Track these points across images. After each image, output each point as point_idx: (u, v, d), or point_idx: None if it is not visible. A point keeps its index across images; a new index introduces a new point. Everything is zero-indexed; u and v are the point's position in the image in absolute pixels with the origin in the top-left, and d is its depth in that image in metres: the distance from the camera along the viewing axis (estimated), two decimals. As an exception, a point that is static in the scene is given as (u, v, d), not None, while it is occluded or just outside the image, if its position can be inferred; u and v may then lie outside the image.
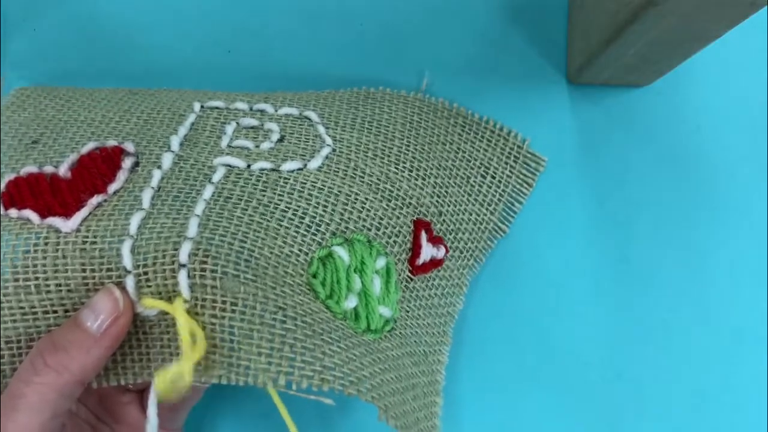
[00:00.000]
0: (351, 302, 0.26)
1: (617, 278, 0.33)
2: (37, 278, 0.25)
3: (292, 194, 0.26)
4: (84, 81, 0.34)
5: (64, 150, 0.28)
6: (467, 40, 0.36)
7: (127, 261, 0.24)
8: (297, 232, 0.26)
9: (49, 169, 0.27)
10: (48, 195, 0.26)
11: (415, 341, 0.29)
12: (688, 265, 0.34)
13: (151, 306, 0.24)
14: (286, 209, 0.26)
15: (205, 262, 0.24)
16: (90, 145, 0.28)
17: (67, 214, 0.26)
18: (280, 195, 0.26)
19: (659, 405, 0.32)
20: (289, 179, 0.27)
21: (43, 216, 0.26)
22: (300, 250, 0.26)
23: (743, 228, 0.34)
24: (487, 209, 0.32)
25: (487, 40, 0.36)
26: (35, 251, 0.25)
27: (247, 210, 0.25)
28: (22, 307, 0.25)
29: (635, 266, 0.33)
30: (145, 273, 0.24)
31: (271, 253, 0.25)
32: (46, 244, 0.25)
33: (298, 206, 0.26)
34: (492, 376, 0.32)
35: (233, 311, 0.24)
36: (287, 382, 0.23)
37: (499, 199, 0.33)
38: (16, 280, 0.25)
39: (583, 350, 0.32)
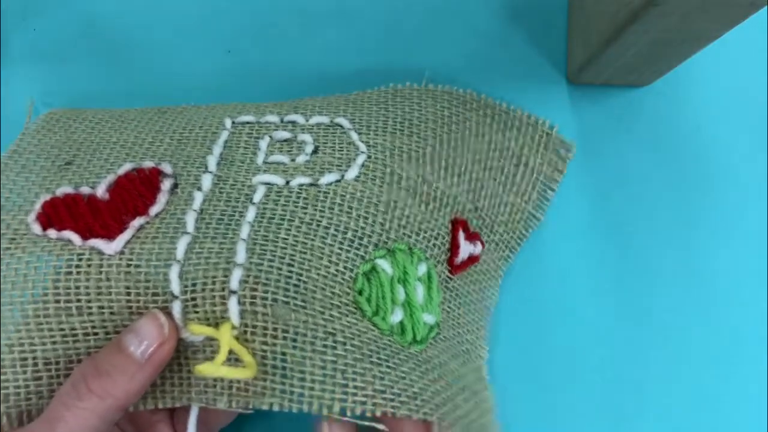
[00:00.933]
0: (397, 316, 0.26)
1: (617, 278, 0.33)
2: (79, 300, 0.25)
3: (333, 209, 0.27)
4: (84, 81, 0.34)
5: (99, 171, 0.28)
6: (467, 40, 0.36)
7: (175, 286, 0.24)
8: (341, 249, 0.26)
9: (85, 189, 0.27)
10: (88, 216, 0.26)
11: (457, 341, 0.29)
12: (688, 265, 0.34)
13: (198, 332, 0.24)
14: (328, 225, 0.26)
15: (255, 289, 0.24)
16: (127, 166, 0.28)
17: (110, 236, 0.26)
18: (321, 211, 0.26)
19: (659, 405, 0.32)
20: (328, 193, 0.27)
21: (84, 237, 0.26)
22: (345, 268, 0.26)
23: (743, 228, 0.34)
24: (521, 198, 0.32)
25: (487, 40, 0.36)
26: (78, 272, 0.25)
27: (290, 230, 0.26)
28: (62, 329, 0.25)
29: (635, 266, 0.33)
30: (193, 299, 0.24)
31: (318, 274, 0.25)
32: (89, 266, 0.25)
33: (340, 221, 0.26)
34: (491, 376, 0.32)
35: (285, 338, 0.24)
36: (341, 409, 0.23)
37: (533, 188, 0.32)
38: (57, 301, 0.25)
39: (583, 350, 0.32)
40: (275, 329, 0.24)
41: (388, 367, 0.24)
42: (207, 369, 0.23)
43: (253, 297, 0.24)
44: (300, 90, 0.34)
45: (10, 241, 0.26)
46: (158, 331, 0.23)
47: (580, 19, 0.34)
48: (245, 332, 0.24)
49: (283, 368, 0.24)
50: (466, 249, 0.29)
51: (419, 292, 0.27)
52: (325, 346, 0.24)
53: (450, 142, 0.31)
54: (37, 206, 0.27)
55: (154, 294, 0.24)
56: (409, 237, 0.27)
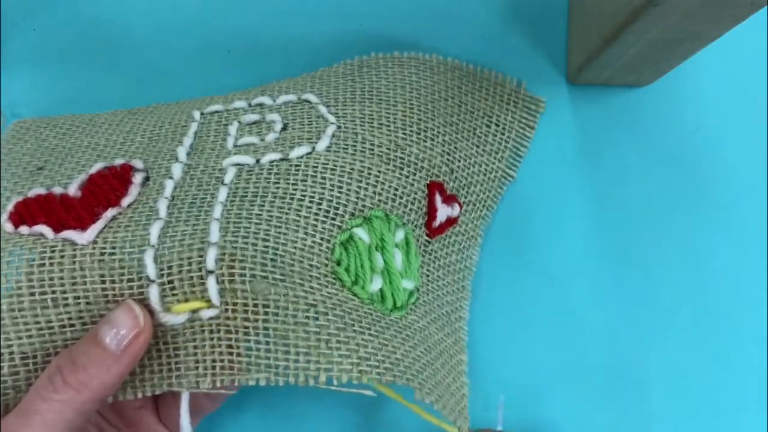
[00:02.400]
0: (376, 284, 0.26)
1: (617, 278, 0.33)
2: (54, 291, 0.25)
3: (306, 181, 0.26)
4: (84, 81, 0.34)
5: (71, 173, 0.28)
6: (467, 40, 0.36)
7: (151, 270, 0.24)
8: (317, 220, 0.26)
9: (57, 189, 0.27)
10: (60, 211, 0.26)
11: (438, 305, 0.29)
12: (689, 264, 0.34)
13: (182, 310, 0.24)
14: (302, 197, 0.26)
15: (232, 267, 0.24)
16: (98, 165, 0.28)
17: (82, 227, 0.26)
18: (294, 184, 0.26)
19: (659, 405, 0.32)
20: (300, 165, 0.27)
21: (57, 230, 0.26)
22: (322, 239, 0.26)
23: (743, 228, 0.34)
24: (494, 157, 0.32)
25: (487, 40, 0.36)
26: (51, 264, 0.25)
27: (264, 206, 0.25)
28: (38, 322, 0.25)
29: (635, 266, 0.33)
30: (170, 282, 0.24)
31: (295, 247, 0.25)
32: (62, 257, 0.25)
33: (314, 192, 0.26)
34: (489, 376, 0.32)
35: (266, 313, 0.24)
36: (327, 378, 0.23)
37: (505, 146, 0.33)
38: (32, 294, 0.25)
39: (583, 350, 0.32)
40: (255, 305, 0.24)
41: (371, 334, 0.24)
42: (180, 307, 0.24)
43: (231, 275, 0.24)
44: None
45: None
46: (133, 321, 0.23)
47: (580, 19, 0.34)
48: (226, 310, 0.24)
49: (267, 343, 0.24)
50: (443, 212, 0.29)
51: (397, 258, 0.27)
52: (307, 317, 0.24)
53: (420, 107, 0.30)
54: (9, 207, 0.27)
55: (129, 280, 0.24)
56: (385, 204, 0.27)
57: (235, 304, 0.24)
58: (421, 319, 0.27)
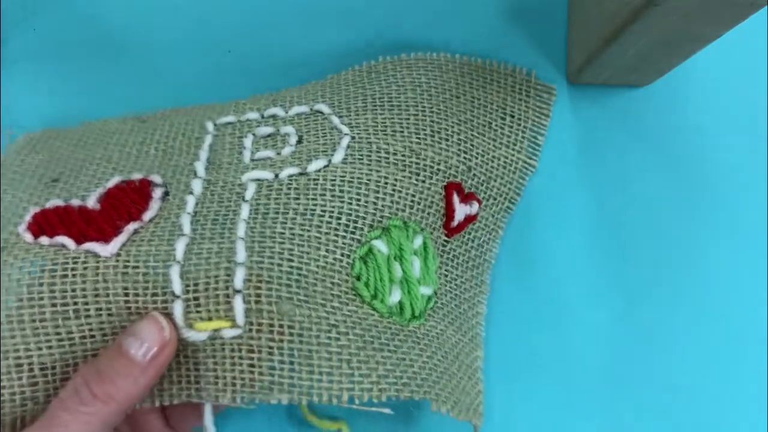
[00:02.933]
0: (395, 296, 0.26)
1: (617, 278, 0.33)
2: (75, 303, 0.25)
3: (324, 195, 0.27)
4: (84, 81, 0.34)
5: (87, 186, 0.28)
6: (467, 40, 0.36)
7: (177, 286, 0.24)
8: (337, 236, 0.26)
9: (76, 202, 0.27)
10: (81, 223, 0.26)
11: (455, 304, 0.29)
12: (688, 264, 0.34)
13: (204, 329, 0.24)
14: (323, 213, 0.26)
15: (259, 288, 0.24)
16: (115, 179, 0.28)
17: (105, 239, 0.25)
18: (313, 199, 0.26)
19: (659, 405, 0.32)
20: (318, 179, 0.27)
21: (79, 242, 0.25)
22: (342, 255, 0.26)
23: (743, 228, 0.34)
24: (513, 149, 0.32)
25: (487, 40, 0.36)
26: (73, 275, 0.25)
27: (285, 223, 0.26)
28: (58, 333, 0.24)
29: (635, 266, 0.33)
30: (196, 299, 0.24)
31: (317, 266, 0.25)
32: (85, 268, 0.25)
33: (333, 207, 0.26)
34: (490, 376, 0.32)
35: (291, 334, 0.24)
36: (350, 398, 0.24)
37: (522, 137, 0.32)
38: (54, 305, 0.24)
39: (583, 350, 0.32)
40: (281, 326, 0.24)
41: (389, 351, 0.25)
42: (202, 325, 0.24)
43: (258, 295, 0.24)
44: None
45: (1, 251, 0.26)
46: (159, 333, 0.23)
47: (580, 19, 0.34)
48: (250, 330, 0.24)
49: (291, 363, 0.24)
50: (461, 211, 0.30)
51: (416, 265, 0.27)
52: (329, 338, 0.24)
53: (432, 109, 0.30)
54: (28, 218, 0.27)
55: (153, 294, 0.24)
56: (403, 211, 0.28)
57: (260, 324, 0.24)
58: (438, 324, 0.27)
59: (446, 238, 0.29)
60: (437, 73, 0.32)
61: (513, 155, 0.32)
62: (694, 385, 0.32)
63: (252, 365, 0.24)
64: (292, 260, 0.25)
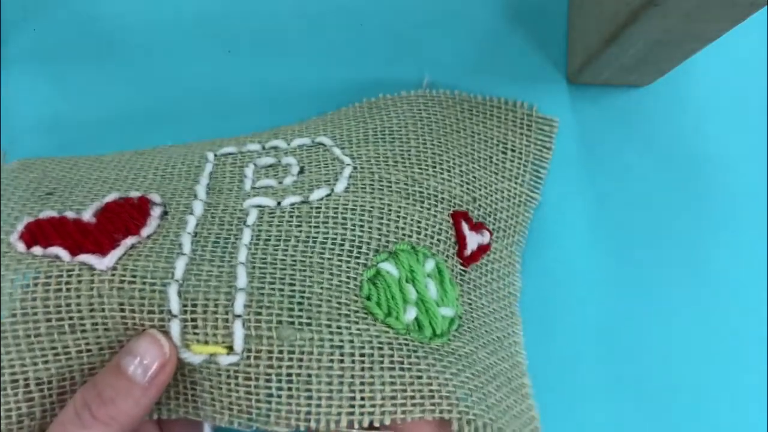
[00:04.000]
0: (410, 314, 0.25)
1: (617, 278, 0.33)
2: (71, 317, 0.24)
3: (327, 223, 0.26)
4: (84, 81, 0.34)
5: (83, 200, 0.27)
6: (467, 40, 0.36)
7: (174, 305, 0.24)
8: (341, 261, 0.26)
9: (70, 214, 0.26)
10: (76, 234, 0.25)
11: (486, 331, 0.28)
12: (688, 265, 0.34)
13: (200, 352, 0.24)
14: (325, 240, 0.26)
15: (259, 314, 0.24)
16: (113, 195, 0.27)
17: (102, 251, 0.25)
18: (315, 227, 0.26)
19: (659, 405, 0.32)
20: (320, 208, 0.27)
21: (73, 253, 0.25)
22: (348, 277, 0.25)
23: (743, 228, 0.34)
24: (515, 182, 0.32)
25: (487, 40, 0.36)
26: (68, 289, 0.24)
27: (287, 250, 0.25)
28: (54, 347, 0.24)
29: (635, 266, 0.33)
30: (194, 320, 0.24)
31: (322, 288, 0.25)
32: (79, 281, 0.24)
33: (336, 234, 0.26)
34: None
35: (290, 359, 0.24)
36: (348, 422, 0.23)
37: (524, 170, 0.32)
38: (48, 320, 0.24)
39: (583, 350, 0.32)
40: (281, 351, 0.24)
41: (402, 369, 0.24)
42: (199, 348, 0.24)
43: (258, 321, 0.24)
44: (300, 90, 0.34)
45: None
46: (158, 350, 0.23)
47: (580, 19, 0.34)
48: (248, 357, 0.24)
49: (289, 389, 0.24)
50: (473, 239, 0.29)
51: (431, 287, 0.26)
52: (331, 360, 0.24)
53: (433, 141, 0.31)
54: (20, 227, 0.26)
55: (150, 312, 0.24)
56: (410, 237, 0.27)
57: (258, 351, 0.24)
58: (467, 345, 0.27)
59: (463, 268, 0.29)
60: (438, 109, 0.32)
61: (516, 188, 0.32)
62: (694, 384, 0.32)
63: (249, 392, 0.24)
64: (293, 284, 0.25)
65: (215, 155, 0.30)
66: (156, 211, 0.27)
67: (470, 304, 0.28)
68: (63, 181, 0.29)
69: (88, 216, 0.26)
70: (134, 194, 0.27)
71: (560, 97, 0.35)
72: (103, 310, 0.24)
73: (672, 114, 0.35)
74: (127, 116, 0.34)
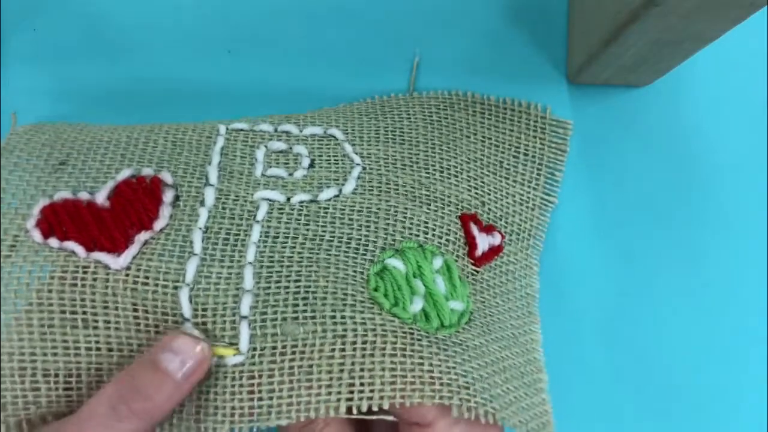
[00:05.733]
0: (417, 304, 0.26)
1: (617, 278, 0.33)
2: (84, 313, 0.25)
3: (334, 223, 0.27)
4: (84, 81, 0.34)
5: (96, 174, 0.28)
6: (467, 40, 0.36)
7: (186, 309, 0.25)
8: (347, 257, 0.26)
9: (84, 195, 0.27)
10: (93, 227, 0.26)
11: (499, 327, 0.28)
12: (688, 264, 0.34)
13: (217, 354, 0.24)
14: (332, 238, 0.27)
15: (265, 313, 0.25)
16: (125, 173, 0.28)
17: (116, 250, 0.25)
18: (323, 226, 0.27)
19: (659, 405, 0.32)
20: (328, 208, 0.28)
21: (89, 249, 0.25)
22: (355, 272, 0.26)
23: (743, 228, 0.34)
24: (528, 186, 0.32)
25: (487, 40, 0.36)
26: (83, 285, 0.25)
27: (295, 248, 0.26)
28: (65, 341, 0.25)
29: (635, 266, 0.33)
30: (204, 323, 0.25)
31: (327, 282, 0.25)
32: (94, 279, 0.25)
33: (342, 233, 0.27)
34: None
35: (293, 353, 0.24)
36: (347, 407, 0.23)
37: (538, 174, 0.32)
38: (63, 312, 0.25)
39: (582, 350, 0.32)
40: (284, 347, 0.24)
41: (404, 355, 0.24)
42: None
43: (263, 320, 0.25)
44: (300, 89, 0.34)
45: (9, 248, 0.26)
46: (196, 348, 0.23)
47: (580, 19, 0.34)
48: (252, 356, 0.24)
49: (291, 381, 0.24)
50: (483, 240, 0.29)
51: (439, 282, 0.27)
52: (333, 349, 0.24)
53: (442, 146, 0.31)
54: (36, 212, 0.26)
55: (163, 314, 0.25)
56: (417, 236, 0.28)
57: (263, 348, 0.24)
58: (476, 338, 0.27)
59: (475, 268, 0.29)
60: (449, 112, 0.32)
61: (529, 192, 0.32)
62: (694, 385, 0.32)
63: (251, 392, 0.24)
64: (299, 281, 0.25)
65: (227, 129, 0.30)
66: (168, 197, 0.27)
67: (483, 302, 0.29)
68: (76, 144, 0.29)
69: (101, 198, 0.27)
70: (146, 172, 0.28)
71: (560, 97, 0.35)
72: (116, 308, 0.25)
73: (672, 114, 0.35)
74: (127, 116, 0.33)
